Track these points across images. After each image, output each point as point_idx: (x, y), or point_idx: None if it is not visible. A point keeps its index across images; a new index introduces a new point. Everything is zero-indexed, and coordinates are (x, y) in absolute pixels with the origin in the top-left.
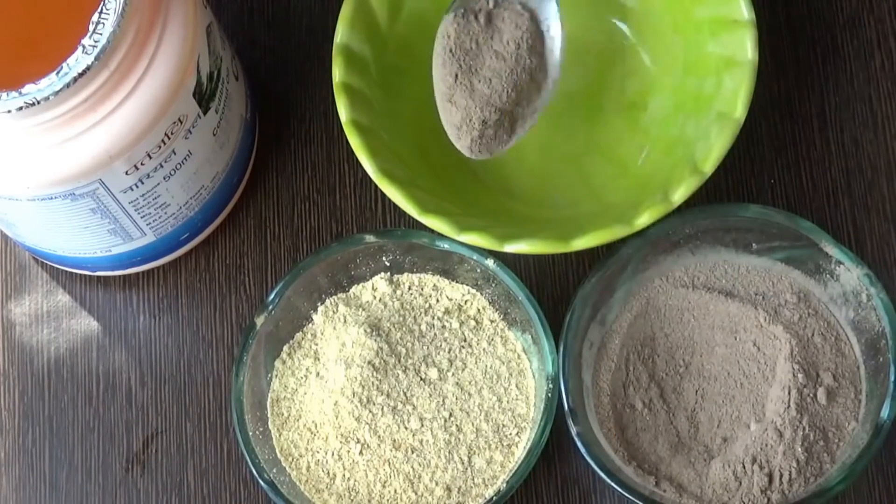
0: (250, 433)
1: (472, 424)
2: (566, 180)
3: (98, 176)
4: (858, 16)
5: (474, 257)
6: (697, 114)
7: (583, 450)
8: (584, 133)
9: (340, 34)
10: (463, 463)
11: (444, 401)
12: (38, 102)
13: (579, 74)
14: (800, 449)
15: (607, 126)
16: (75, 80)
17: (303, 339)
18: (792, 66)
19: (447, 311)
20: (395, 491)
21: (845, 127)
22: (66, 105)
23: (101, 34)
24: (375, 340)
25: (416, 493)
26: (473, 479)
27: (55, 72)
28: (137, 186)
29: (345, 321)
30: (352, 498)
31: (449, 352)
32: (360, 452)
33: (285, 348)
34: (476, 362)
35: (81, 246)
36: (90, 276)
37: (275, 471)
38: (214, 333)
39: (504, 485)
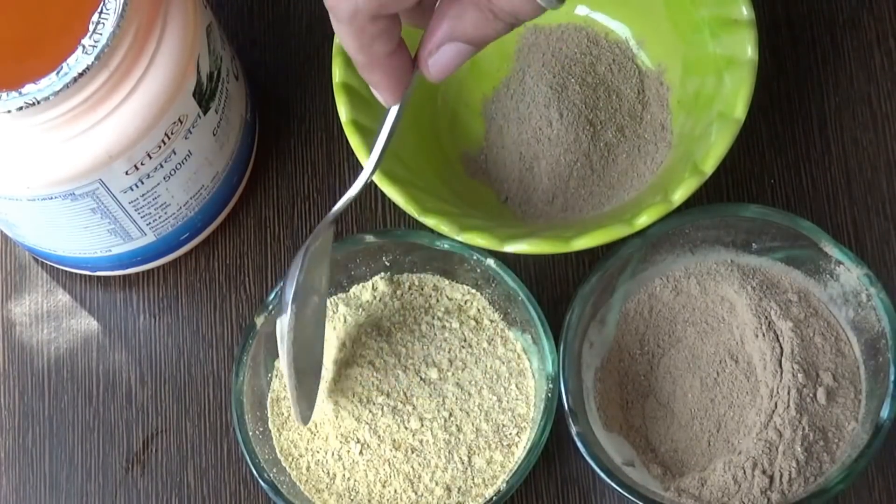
0: (250, 433)
1: (472, 424)
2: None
3: (98, 176)
4: (858, 16)
5: (474, 257)
6: (697, 113)
7: (583, 450)
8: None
9: None
10: (463, 463)
11: (443, 401)
12: (38, 102)
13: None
14: (799, 449)
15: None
16: (75, 80)
17: None
18: (792, 66)
19: (447, 311)
20: (395, 491)
21: (845, 127)
22: (66, 105)
23: (101, 34)
24: (375, 340)
25: (416, 493)
26: (473, 479)
27: (55, 72)
28: (137, 186)
29: (345, 321)
30: (352, 498)
31: (449, 352)
32: (360, 452)
33: None
34: (476, 362)
35: (81, 246)
36: (90, 276)
37: (275, 471)
38: (214, 333)
39: (504, 485)
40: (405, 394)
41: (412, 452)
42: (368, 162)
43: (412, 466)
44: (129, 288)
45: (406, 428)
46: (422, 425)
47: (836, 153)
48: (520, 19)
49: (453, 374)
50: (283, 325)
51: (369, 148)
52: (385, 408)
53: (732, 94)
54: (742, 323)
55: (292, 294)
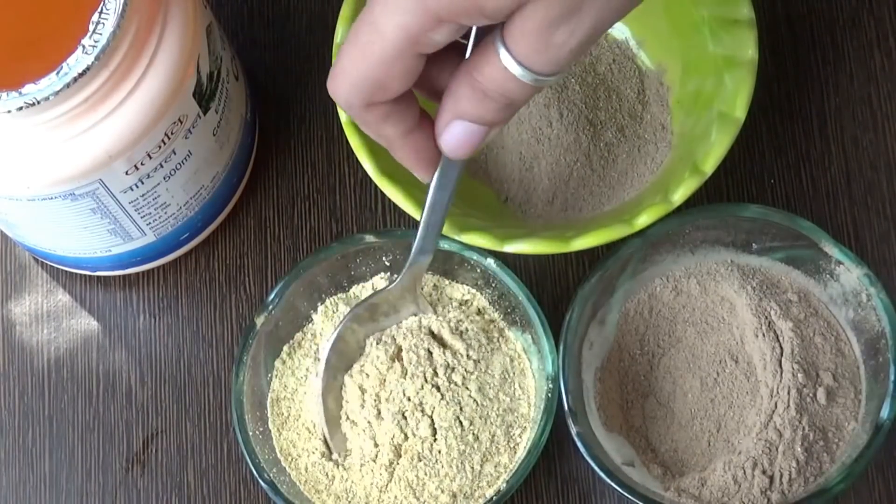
0: (250, 433)
1: (489, 432)
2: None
3: (98, 176)
4: (858, 16)
5: (474, 257)
6: (698, 113)
7: (583, 450)
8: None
9: (340, 34)
10: (474, 471)
11: (461, 408)
12: (38, 102)
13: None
14: (799, 449)
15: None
16: (75, 80)
17: (303, 339)
18: (792, 66)
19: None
20: (396, 497)
21: (845, 127)
22: (66, 105)
23: (101, 34)
24: (384, 342)
25: (418, 500)
26: (479, 483)
27: (55, 72)
28: (137, 186)
29: None
30: (349, 500)
31: (465, 356)
32: (360, 462)
33: (285, 348)
34: (491, 364)
35: (81, 246)
36: (90, 276)
37: (275, 471)
38: (214, 333)
39: (504, 485)
40: (412, 399)
41: (419, 461)
42: (415, 245)
43: (416, 475)
44: (129, 288)
45: (414, 435)
46: (434, 434)
47: (836, 153)
48: (511, 98)
49: (477, 376)
50: (317, 386)
51: (370, 148)
52: (387, 413)
53: (732, 94)
54: (742, 323)
55: (325, 362)
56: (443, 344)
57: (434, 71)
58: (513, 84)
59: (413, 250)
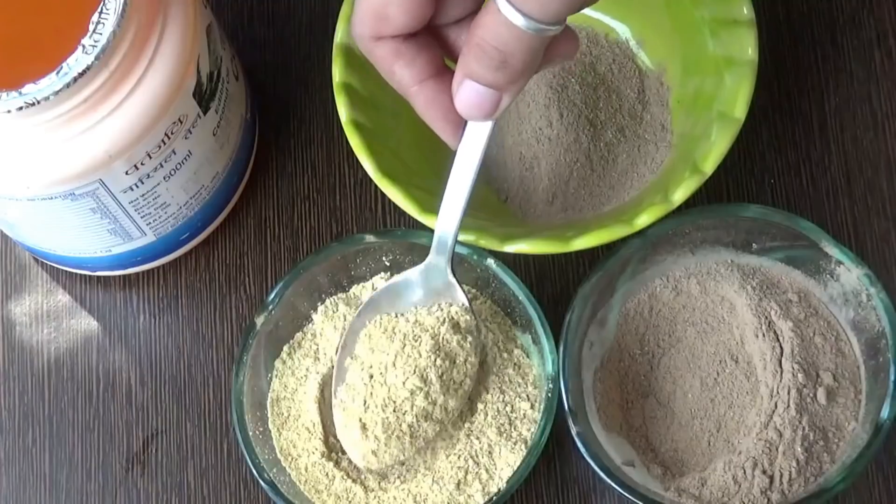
0: (250, 433)
1: (500, 450)
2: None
3: (98, 176)
4: (858, 15)
5: (474, 257)
6: (697, 113)
7: (583, 450)
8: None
9: (340, 34)
10: (481, 482)
11: (471, 429)
12: (38, 102)
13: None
14: (800, 449)
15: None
16: (75, 80)
17: (303, 339)
18: (792, 66)
19: None
20: (395, 498)
21: (845, 127)
22: (66, 105)
23: (101, 34)
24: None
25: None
26: (479, 486)
27: (55, 72)
28: (137, 186)
29: (345, 321)
30: (349, 500)
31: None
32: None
33: (285, 348)
34: (498, 371)
35: (81, 246)
36: (90, 276)
37: (275, 471)
38: (214, 333)
39: (504, 484)
40: (422, 407)
41: (421, 473)
42: (437, 223)
43: (420, 488)
44: (129, 288)
45: (421, 438)
46: (441, 448)
47: (836, 153)
48: (505, 52)
49: (498, 383)
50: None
51: (370, 148)
52: (390, 421)
53: (732, 94)
54: (742, 323)
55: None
56: (458, 332)
57: (464, 36)
58: (505, 31)
59: (436, 229)
